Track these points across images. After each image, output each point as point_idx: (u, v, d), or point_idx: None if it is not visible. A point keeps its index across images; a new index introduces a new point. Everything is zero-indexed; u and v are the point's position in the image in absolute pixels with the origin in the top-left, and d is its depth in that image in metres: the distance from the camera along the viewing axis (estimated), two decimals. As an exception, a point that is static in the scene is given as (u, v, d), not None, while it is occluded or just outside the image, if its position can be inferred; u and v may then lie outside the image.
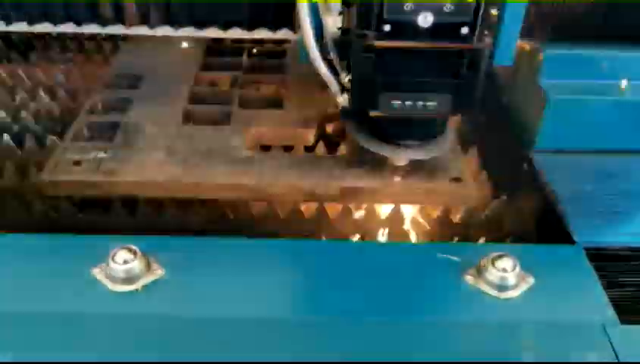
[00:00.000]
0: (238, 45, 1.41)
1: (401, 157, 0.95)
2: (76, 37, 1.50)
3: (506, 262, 0.79)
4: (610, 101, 1.05)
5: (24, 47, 1.49)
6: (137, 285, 0.77)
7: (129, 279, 0.77)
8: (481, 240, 0.99)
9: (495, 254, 0.80)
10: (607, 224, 0.93)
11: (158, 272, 0.79)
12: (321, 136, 1.15)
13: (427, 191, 0.98)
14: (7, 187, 1.03)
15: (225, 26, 1.09)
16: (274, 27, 1.10)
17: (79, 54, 1.48)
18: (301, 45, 0.89)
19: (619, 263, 0.87)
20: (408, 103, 0.85)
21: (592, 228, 0.91)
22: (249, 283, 0.79)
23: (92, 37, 1.50)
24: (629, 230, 0.91)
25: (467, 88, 0.85)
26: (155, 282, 0.78)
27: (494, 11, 0.89)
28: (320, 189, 0.98)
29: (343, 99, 0.90)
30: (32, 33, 1.44)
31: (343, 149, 1.10)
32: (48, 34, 1.48)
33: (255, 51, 1.39)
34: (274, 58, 1.38)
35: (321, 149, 1.10)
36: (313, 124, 1.13)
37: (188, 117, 1.15)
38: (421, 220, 1.01)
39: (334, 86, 0.89)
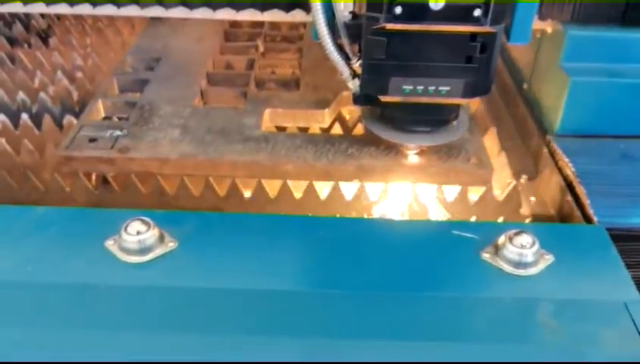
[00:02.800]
0: (255, 31, 1.41)
1: (412, 144, 0.94)
2: (94, 21, 1.51)
3: (525, 239, 0.77)
4: (633, 85, 1.02)
5: (44, 31, 1.50)
6: (150, 256, 0.77)
7: (142, 250, 0.77)
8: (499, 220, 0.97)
9: (513, 231, 0.78)
10: (629, 205, 0.90)
11: (171, 245, 0.79)
12: (337, 117, 1.14)
13: (444, 171, 0.97)
14: (25, 164, 1.03)
15: (238, 8, 1.08)
16: (286, 9, 1.08)
17: (97, 37, 1.48)
18: (312, 25, 0.88)
19: (638, 244, 0.84)
20: (419, 88, 0.83)
21: (614, 209, 0.88)
22: (262, 257, 0.78)
23: (110, 22, 1.51)
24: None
25: (480, 72, 0.83)
26: (167, 254, 0.78)
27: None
28: (335, 168, 0.97)
29: (353, 85, 0.89)
30: (49, 15, 1.46)
31: (359, 130, 1.08)
32: (64, 17, 1.50)
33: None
34: (290, 41, 1.38)
35: (337, 130, 1.09)
36: (329, 106, 1.12)
37: (204, 98, 1.15)
38: (438, 201, 0.99)
39: (344, 71, 0.88)
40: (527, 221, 0.95)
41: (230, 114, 1.08)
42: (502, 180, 1.03)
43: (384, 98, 0.86)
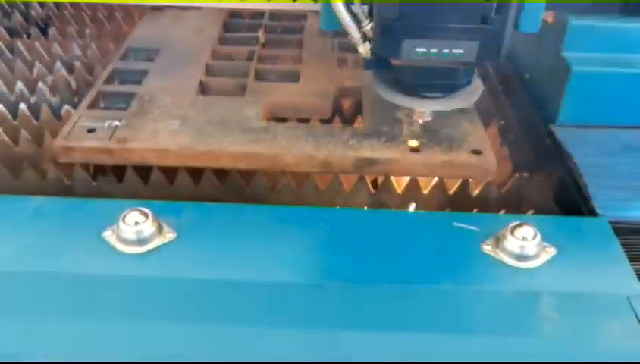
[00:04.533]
0: (256, 22, 1.40)
1: (424, 109, 0.92)
2: (93, 12, 1.50)
3: (526, 231, 0.76)
4: (635, 74, 1.01)
5: (43, 22, 1.49)
6: (147, 247, 0.76)
7: (139, 241, 0.76)
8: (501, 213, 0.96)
9: (515, 223, 0.77)
10: (632, 198, 0.89)
11: (170, 235, 0.78)
12: (337, 109, 1.13)
13: (445, 163, 0.96)
14: (23, 154, 1.02)
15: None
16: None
17: (96, 28, 1.47)
18: (324, 10, 0.87)
19: (642, 237, 0.84)
20: (433, 50, 0.80)
21: (616, 202, 0.88)
22: (261, 248, 0.78)
23: (110, 13, 1.50)
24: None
25: (494, 35, 0.80)
26: (166, 245, 0.77)
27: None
28: (335, 159, 0.96)
29: (364, 49, 0.87)
30: (48, 6, 1.45)
31: (358, 122, 1.07)
32: (63, 7, 1.49)
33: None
34: (291, 33, 1.37)
35: (336, 122, 1.08)
36: (329, 98, 1.11)
37: (204, 89, 1.14)
38: (439, 192, 0.98)
39: (355, 34, 0.86)
40: (529, 213, 0.94)
41: (230, 105, 1.07)
42: (504, 172, 1.02)
43: (396, 61, 0.84)
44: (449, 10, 0.78)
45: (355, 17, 0.85)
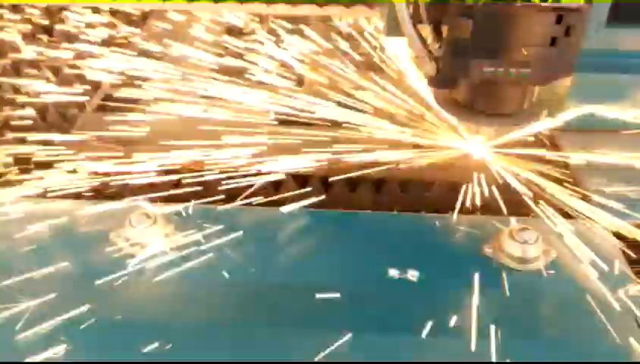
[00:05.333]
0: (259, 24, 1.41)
1: (490, 127, 0.93)
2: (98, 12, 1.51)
3: (528, 235, 0.77)
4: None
5: (49, 25, 1.50)
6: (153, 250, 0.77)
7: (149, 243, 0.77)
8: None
9: (516, 226, 0.78)
10: (630, 200, 0.90)
11: (176, 237, 0.79)
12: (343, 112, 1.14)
13: (451, 165, 0.97)
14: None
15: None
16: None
17: (101, 30, 1.48)
18: (385, 19, 0.88)
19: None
20: (500, 70, 0.82)
21: (617, 204, 0.88)
22: (266, 250, 0.79)
23: (113, 14, 1.51)
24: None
25: (562, 56, 0.81)
26: (172, 247, 0.78)
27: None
28: (343, 162, 0.97)
29: (431, 68, 0.89)
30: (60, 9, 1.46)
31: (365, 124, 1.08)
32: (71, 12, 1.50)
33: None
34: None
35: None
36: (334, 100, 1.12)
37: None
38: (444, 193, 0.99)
39: (422, 53, 0.88)
40: (531, 215, 0.95)
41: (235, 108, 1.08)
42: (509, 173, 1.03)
43: (464, 81, 0.86)
44: (518, 32, 0.79)
45: (422, 37, 0.86)
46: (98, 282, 0.73)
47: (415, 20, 0.85)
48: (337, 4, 1.13)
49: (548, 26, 0.78)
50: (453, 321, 0.70)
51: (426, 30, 0.86)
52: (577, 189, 0.94)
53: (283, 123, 1.08)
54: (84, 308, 0.70)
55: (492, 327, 0.69)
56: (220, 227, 0.81)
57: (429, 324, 0.69)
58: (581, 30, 0.80)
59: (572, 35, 0.79)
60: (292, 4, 1.12)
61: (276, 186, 0.97)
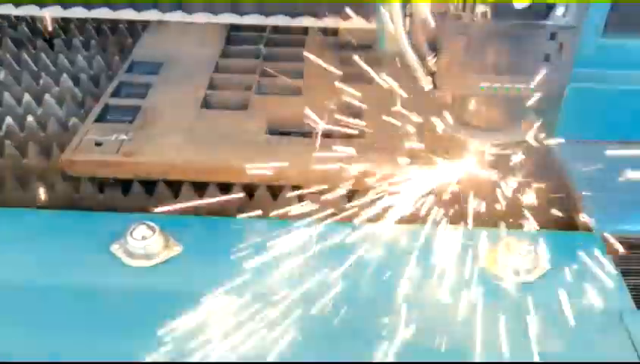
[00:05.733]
0: (258, 34, 1.42)
1: (485, 140, 0.95)
2: (98, 23, 1.52)
3: (522, 247, 0.79)
4: (631, 91, 1.04)
5: (49, 34, 1.51)
6: (155, 261, 0.79)
7: (147, 255, 0.79)
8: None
9: (510, 238, 0.80)
10: (626, 213, 0.92)
11: (176, 249, 0.81)
12: (339, 122, 1.15)
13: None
14: (31, 167, 1.05)
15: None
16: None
17: (102, 40, 1.50)
18: (381, 32, 0.89)
19: (636, 251, 0.86)
20: (496, 85, 0.84)
21: (611, 216, 0.90)
22: (264, 261, 0.80)
23: (114, 25, 1.52)
24: (648, 220, 0.90)
25: (558, 70, 0.84)
26: (172, 258, 0.80)
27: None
28: (335, 174, 0.98)
29: (427, 82, 0.90)
30: (60, 19, 1.47)
31: (360, 135, 1.10)
32: (72, 21, 1.51)
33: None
34: (293, 46, 1.39)
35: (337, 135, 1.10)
36: (331, 111, 1.13)
37: (207, 103, 1.17)
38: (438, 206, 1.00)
39: (419, 69, 0.89)
40: (525, 228, 0.96)
41: (233, 119, 1.10)
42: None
43: (460, 95, 0.87)
44: (512, 48, 0.81)
45: (418, 53, 0.88)
46: None
47: (410, 34, 0.87)
48: (335, 16, 1.14)
49: (542, 44, 0.80)
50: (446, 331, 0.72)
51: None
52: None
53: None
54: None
55: (484, 339, 0.71)
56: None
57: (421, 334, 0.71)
58: (574, 47, 0.82)
59: (564, 51, 0.81)
60: (291, 16, 1.13)
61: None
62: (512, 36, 0.80)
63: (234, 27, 1.46)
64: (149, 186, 1.00)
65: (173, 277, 0.78)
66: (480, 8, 0.77)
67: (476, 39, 0.80)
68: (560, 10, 0.78)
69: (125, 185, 1.01)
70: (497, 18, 0.78)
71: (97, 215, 0.88)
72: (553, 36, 0.80)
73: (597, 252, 0.83)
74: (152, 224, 0.80)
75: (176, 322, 0.70)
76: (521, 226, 0.91)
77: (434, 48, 0.86)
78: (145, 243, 0.78)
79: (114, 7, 1.13)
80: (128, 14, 1.13)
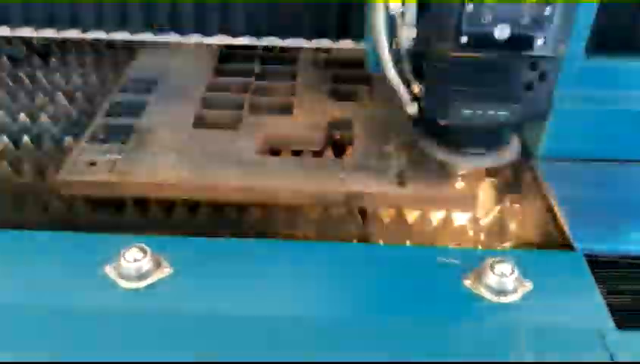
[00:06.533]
0: (250, 52, 1.45)
1: (467, 164, 0.97)
2: (93, 44, 1.54)
3: (505, 267, 0.81)
4: (616, 111, 1.06)
5: (44, 52, 1.53)
6: (147, 282, 0.80)
7: (139, 277, 0.80)
8: (483, 245, 1.00)
9: (494, 259, 0.82)
10: (608, 232, 0.94)
11: (167, 270, 0.82)
12: (330, 141, 1.18)
13: (431, 197, 1.00)
14: (26, 186, 1.06)
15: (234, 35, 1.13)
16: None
17: (97, 58, 1.52)
18: (370, 54, 0.92)
19: (619, 270, 0.88)
20: (479, 112, 0.87)
21: (593, 236, 0.92)
22: (255, 282, 0.82)
23: (110, 45, 1.54)
24: (629, 239, 0.92)
25: (537, 99, 0.87)
26: (163, 280, 0.81)
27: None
28: (325, 193, 1.00)
29: (412, 108, 0.93)
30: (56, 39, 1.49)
31: (350, 154, 1.12)
32: (68, 40, 1.53)
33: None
34: (285, 64, 1.41)
35: (329, 153, 1.13)
36: (322, 130, 1.16)
37: (200, 122, 1.19)
38: (424, 225, 1.02)
39: (404, 95, 0.92)
40: (509, 246, 0.99)
41: (225, 138, 1.12)
42: (487, 205, 1.06)
43: (443, 122, 0.89)
44: (495, 77, 0.84)
45: (404, 79, 0.90)
46: None
47: (397, 61, 0.89)
48: (325, 37, 1.17)
49: (523, 73, 0.83)
50: (432, 351, 0.73)
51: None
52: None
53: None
54: None
55: (469, 358, 0.72)
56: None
57: (408, 354, 0.73)
58: (554, 76, 0.84)
59: (546, 80, 0.83)
60: (281, 37, 1.15)
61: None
62: (494, 65, 0.82)
63: (227, 45, 1.48)
64: (143, 205, 1.02)
65: (163, 298, 0.79)
66: (463, 39, 0.80)
67: (458, 68, 0.83)
68: (539, 41, 0.80)
69: (119, 205, 1.03)
70: (478, 48, 0.81)
71: (90, 237, 0.89)
72: (534, 66, 0.83)
73: (579, 271, 0.86)
74: (143, 245, 0.82)
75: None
76: (504, 245, 0.94)
77: (420, 74, 0.89)
78: (136, 265, 0.80)
79: (107, 28, 1.15)
80: (122, 36, 1.15)
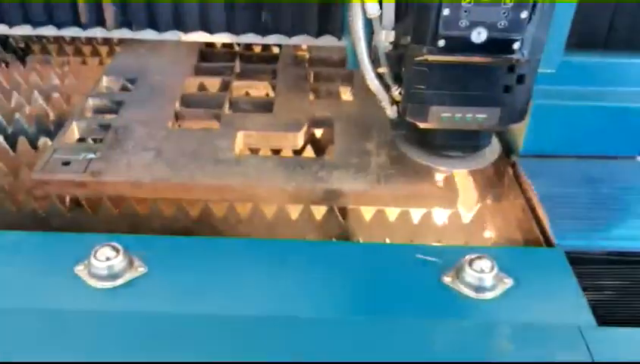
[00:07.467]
0: (230, 50, 1.43)
1: (446, 168, 0.97)
2: (72, 40, 1.53)
3: (484, 264, 0.80)
4: (595, 107, 1.06)
5: (22, 50, 1.51)
6: (119, 282, 0.78)
7: (111, 276, 0.78)
8: (463, 243, 0.99)
9: (473, 255, 0.81)
10: (589, 228, 0.93)
11: (140, 270, 0.80)
12: (309, 139, 1.16)
13: (411, 194, 0.99)
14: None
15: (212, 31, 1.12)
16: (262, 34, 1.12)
17: (75, 56, 1.50)
18: (350, 52, 0.91)
19: (598, 267, 0.87)
20: (457, 116, 0.87)
21: (574, 232, 0.91)
22: (230, 282, 0.80)
23: (88, 41, 1.53)
24: (610, 235, 0.92)
25: (516, 101, 0.87)
26: (136, 279, 0.79)
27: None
28: (304, 191, 0.99)
29: (392, 111, 0.92)
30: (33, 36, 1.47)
31: (329, 153, 1.11)
32: (45, 38, 1.51)
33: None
34: (265, 62, 1.40)
35: (308, 152, 1.12)
36: (302, 128, 1.14)
37: (178, 120, 1.17)
38: (404, 223, 1.01)
39: (384, 98, 0.91)
40: (490, 243, 0.98)
41: (204, 136, 1.10)
42: (468, 202, 1.06)
43: (423, 125, 0.89)
44: (473, 80, 0.84)
45: (384, 83, 0.89)
46: None
47: (376, 67, 0.88)
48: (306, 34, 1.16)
49: (502, 76, 0.82)
50: (411, 349, 0.72)
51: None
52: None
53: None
54: None
55: (448, 356, 0.71)
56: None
57: (387, 352, 0.71)
58: (532, 78, 0.84)
59: (524, 82, 0.83)
60: (262, 34, 1.14)
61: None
62: (472, 68, 0.82)
63: (207, 43, 1.47)
64: (119, 204, 1.00)
65: (136, 298, 0.77)
66: (440, 42, 0.79)
67: (437, 72, 0.82)
68: (517, 44, 0.80)
69: (94, 203, 1.01)
70: (456, 52, 0.80)
71: (62, 236, 0.87)
72: (512, 69, 0.83)
73: (559, 268, 0.85)
74: (116, 244, 0.80)
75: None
76: (484, 242, 0.93)
77: (399, 77, 0.88)
78: (108, 263, 0.78)
79: (84, 26, 1.13)
80: (98, 33, 1.13)
